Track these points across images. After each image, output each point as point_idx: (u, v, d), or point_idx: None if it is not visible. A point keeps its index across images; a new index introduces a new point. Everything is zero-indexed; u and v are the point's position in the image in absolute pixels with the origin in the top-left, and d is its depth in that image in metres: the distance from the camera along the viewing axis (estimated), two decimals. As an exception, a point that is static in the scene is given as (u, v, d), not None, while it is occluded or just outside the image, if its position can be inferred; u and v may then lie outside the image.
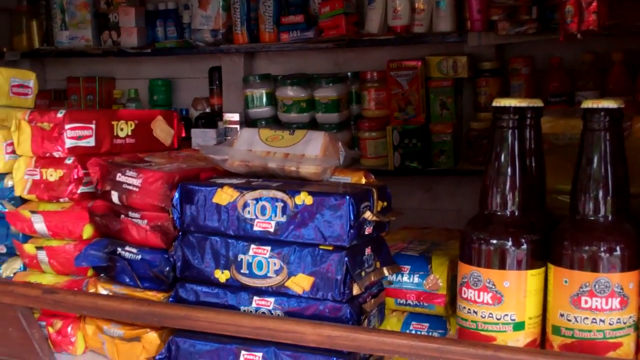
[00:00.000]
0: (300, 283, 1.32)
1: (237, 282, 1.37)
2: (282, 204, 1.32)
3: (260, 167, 1.45)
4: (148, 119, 1.71)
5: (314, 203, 1.30)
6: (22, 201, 1.64)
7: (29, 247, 1.61)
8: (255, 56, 4.49)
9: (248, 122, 4.20)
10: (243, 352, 1.33)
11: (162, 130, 1.74)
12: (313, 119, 4.13)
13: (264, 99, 4.20)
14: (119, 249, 1.49)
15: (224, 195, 1.37)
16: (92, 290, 1.52)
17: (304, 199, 1.31)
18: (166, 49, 4.47)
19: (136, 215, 1.47)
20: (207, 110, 4.46)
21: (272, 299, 1.34)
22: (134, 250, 1.47)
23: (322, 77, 4.10)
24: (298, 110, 4.11)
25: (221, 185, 1.38)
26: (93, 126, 1.59)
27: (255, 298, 1.36)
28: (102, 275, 1.55)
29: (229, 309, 1.37)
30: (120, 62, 4.71)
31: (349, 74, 4.19)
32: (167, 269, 1.43)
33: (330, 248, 1.30)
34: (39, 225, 1.58)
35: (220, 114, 4.27)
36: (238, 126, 4.05)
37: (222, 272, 1.38)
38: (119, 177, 1.48)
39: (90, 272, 1.58)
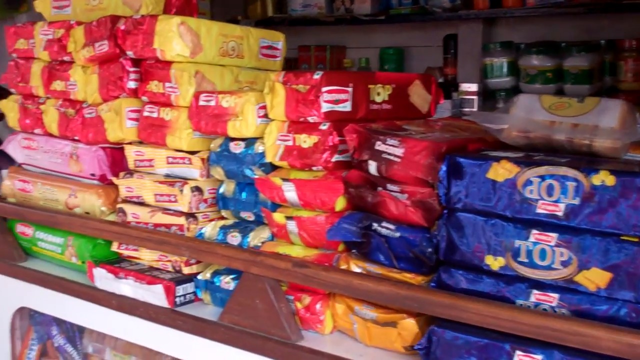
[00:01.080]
0: (594, 279, 1.14)
1: (512, 271, 1.22)
2: (574, 184, 1.15)
3: (543, 138, 1.28)
4: (405, 83, 1.61)
5: (617, 184, 1.11)
6: (273, 168, 1.62)
7: (278, 217, 1.58)
8: (496, 23, 4.27)
9: (486, 92, 4.01)
10: (518, 352, 1.19)
11: (419, 96, 1.63)
12: (560, 90, 3.83)
13: (505, 69, 3.99)
14: (375, 225, 1.41)
15: (501, 171, 1.22)
16: (343, 267, 1.46)
17: (603, 179, 1.13)
18: (400, 16, 4.39)
19: (396, 188, 1.38)
20: (441, 80, 4.32)
21: (556, 295, 1.18)
22: (392, 227, 1.38)
23: (572, 44, 3.79)
24: (543, 81, 3.84)
25: (497, 159, 1.24)
26: (350, 89, 1.52)
27: (535, 292, 1.20)
28: (354, 251, 1.48)
29: (500, 300, 1.23)
30: (352, 30, 4.71)
31: (602, 42, 3.82)
32: (429, 250, 1.33)
33: (636, 240, 1.11)
34: (290, 194, 1.54)
35: (455, 84, 4.11)
36: (475, 97, 3.86)
37: (495, 259, 1.24)
38: (379, 146, 1.39)
39: (341, 247, 1.52)
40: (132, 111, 1.83)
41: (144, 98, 1.81)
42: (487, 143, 1.40)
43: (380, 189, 1.41)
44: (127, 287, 1.76)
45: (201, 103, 1.68)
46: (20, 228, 2.09)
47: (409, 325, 1.35)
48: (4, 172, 2.16)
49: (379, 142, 1.40)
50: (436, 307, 1.25)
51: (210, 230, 1.71)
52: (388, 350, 1.42)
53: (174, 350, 1.73)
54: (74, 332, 2.06)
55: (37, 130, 2.05)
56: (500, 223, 1.23)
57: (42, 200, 2.03)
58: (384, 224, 1.40)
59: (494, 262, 1.24)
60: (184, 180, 1.75)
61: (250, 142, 1.64)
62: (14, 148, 2.13)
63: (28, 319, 2.18)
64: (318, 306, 1.51)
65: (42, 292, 1.97)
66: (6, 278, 2.07)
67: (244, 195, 1.68)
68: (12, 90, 2.12)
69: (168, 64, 1.75)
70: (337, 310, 1.48)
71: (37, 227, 2.04)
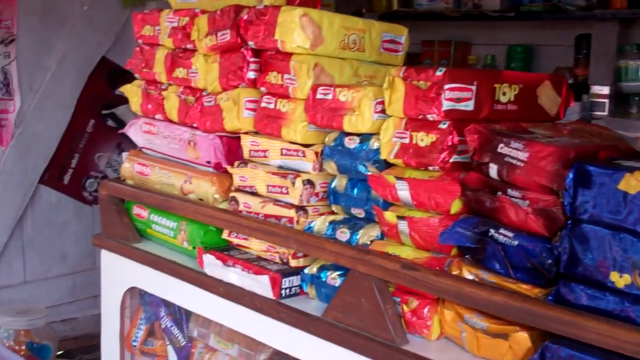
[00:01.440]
0: None
1: (639, 290, 1.15)
2: None
3: (684, 150, 1.20)
4: (534, 83, 1.55)
5: None
6: (387, 165, 1.60)
7: (389, 215, 1.56)
8: (633, 23, 4.06)
9: (618, 96, 3.83)
10: (641, 379, 1.11)
11: (548, 98, 1.57)
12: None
13: (641, 72, 3.80)
14: (492, 231, 1.37)
15: (634, 182, 1.15)
16: (455, 272, 1.42)
17: None
18: (531, 13, 4.26)
19: (517, 194, 1.33)
20: (570, 81, 4.16)
21: (688, 321, 1.10)
22: (510, 234, 1.33)
23: None
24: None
25: (631, 169, 1.17)
26: (473, 88, 1.48)
27: (664, 315, 1.13)
28: (467, 257, 1.44)
29: (624, 321, 1.16)
30: (478, 26, 4.61)
31: None
32: (549, 261, 1.27)
33: None
34: (403, 193, 1.52)
35: (585, 86, 3.95)
36: (606, 100, 3.70)
37: (621, 276, 1.17)
38: (501, 149, 1.35)
39: (453, 252, 1.48)
40: (249, 101, 1.86)
41: (262, 89, 1.83)
42: (620, 151, 1.32)
43: (499, 193, 1.37)
44: (235, 276, 1.79)
45: (318, 96, 1.68)
46: (136, 210, 2.17)
47: (522, 339, 1.30)
48: (125, 154, 2.25)
49: (501, 145, 1.35)
50: (553, 322, 1.20)
51: (319, 224, 1.71)
52: (496, 363, 1.38)
53: (276, 342, 1.75)
54: (181, 315, 2.12)
55: (157, 116, 2.13)
56: (629, 238, 1.16)
57: (159, 185, 2.11)
58: (502, 230, 1.35)
59: (620, 280, 1.17)
60: (297, 172, 1.76)
61: (365, 137, 1.63)
62: (135, 132, 2.21)
63: (138, 299, 2.27)
64: (426, 311, 1.48)
65: (153, 273, 2.04)
66: (120, 258, 2.17)
67: (355, 191, 1.68)
68: (136, 75, 2.20)
69: (288, 55, 1.76)
70: (446, 317, 1.45)
71: (152, 210, 2.12)
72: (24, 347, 2.41)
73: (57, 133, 3.41)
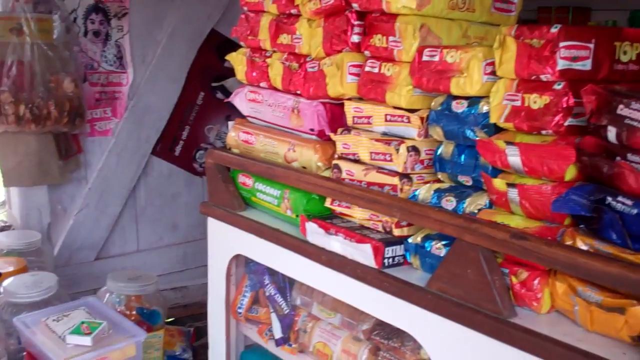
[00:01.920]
0: None
1: None
2: None
3: None
4: (660, 40, 1.44)
5: None
6: (497, 130, 1.54)
7: (498, 183, 1.50)
8: None
9: None
10: None
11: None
12: None
13: None
14: (609, 199, 1.28)
15: None
16: (568, 243, 1.35)
17: None
18: (659, -26, 3.98)
19: (637, 159, 1.24)
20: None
21: None
22: (629, 202, 1.25)
23: None
24: None
25: None
26: (591, 46, 1.39)
27: None
28: (581, 226, 1.37)
29: None
30: (600, -9, 4.37)
31: None
32: (674, 231, 1.18)
33: None
34: (514, 158, 1.45)
35: None
36: None
37: None
38: (621, 110, 1.26)
39: (567, 221, 1.41)
40: (353, 66, 1.83)
41: (367, 52, 1.80)
42: None
43: (618, 159, 1.28)
44: (337, 244, 1.78)
45: (424, 58, 1.64)
46: (241, 178, 2.20)
47: (639, 313, 1.22)
48: (230, 123, 2.28)
49: (621, 106, 1.26)
50: (676, 296, 1.11)
51: (424, 192, 1.67)
52: (610, 338, 1.30)
53: (379, 312, 1.72)
54: (285, 284, 2.14)
55: (262, 84, 2.14)
56: None
57: (263, 153, 2.12)
58: (620, 198, 1.27)
59: None
60: (401, 139, 1.73)
61: (474, 101, 1.57)
62: (240, 100, 2.23)
63: (243, 267, 2.30)
64: (536, 283, 1.41)
65: (257, 241, 2.06)
66: (226, 226, 2.20)
67: (462, 158, 1.62)
68: (242, 43, 2.22)
69: (393, 16, 1.72)
70: (557, 289, 1.38)
71: (257, 179, 2.13)
72: (134, 312, 2.49)
73: (168, 105, 3.50)
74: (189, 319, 3.30)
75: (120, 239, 3.50)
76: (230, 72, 2.29)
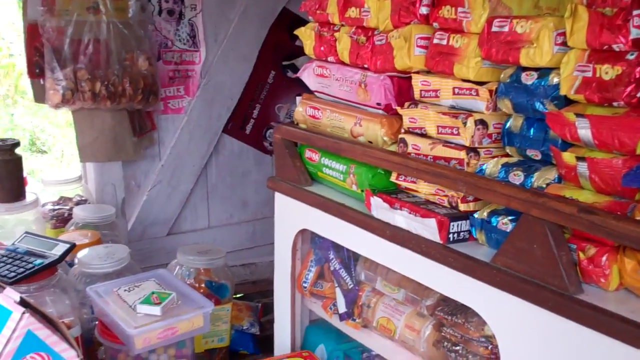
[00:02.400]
0: None
1: None
2: None
3: None
4: None
5: None
6: (567, 102, 1.50)
7: (568, 157, 1.47)
8: None
9: None
10: None
11: None
12: None
13: None
14: (683, 171, 1.24)
15: None
16: (639, 218, 1.31)
17: None
18: None
19: None
20: None
21: None
22: None
23: None
24: None
25: None
26: (668, 13, 1.34)
27: None
28: (654, 201, 1.33)
29: None
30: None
31: None
32: None
33: None
34: (584, 131, 1.42)
35: None
36: None
37: None
38: (697, 78, 1.21)
39: (638, 196, 1.37)
40: (421, 38, 1.82)
41: (435, 24, 1.78)
42: None
43: (694, 130, 1.24)
44: (401, 219, 1.78)
45: (494, 29, 1.61)
46: (308, 154, 2.22)
47: None
48: (298, 99, 2.30)
49: (697, 74, 1.22)
50: None
51: (491, 167, 1.65)
52: (683, 318, 1.27)
53: (443, 287, 1.72)
54: (349, 259, 2.15)
55: (330, 58, 2.15)
56: None
57: (330, 128, 2.13)
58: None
59: None
60: (469, 112, 1.71)
61: (544, 72, 1.54)
62: (308, 75, 2.25)
63: (309, 242, 2.32)
64: (604, 259, 1.38)
65: (322, 216, 2.08)
66: (292, 200, 2.23)
67: (532, 131, 1.59)
68: (310, 18, 2.23)
69: (462, -13, 1.70)
70: (626, 266, 1.35)
71: (323, 154, 2.15)
72: (203, 285, 2.55)
73: (239, 84, 3.54)
74: (257, 295, 3.36)
75: (191, 215, 3.58)
76: (301, 51, 2.31)
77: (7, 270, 2.10)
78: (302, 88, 2.39)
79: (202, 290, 2.52)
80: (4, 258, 2.17)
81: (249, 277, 3.56)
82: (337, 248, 2.17)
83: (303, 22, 2.36)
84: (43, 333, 1.74)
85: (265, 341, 2.84)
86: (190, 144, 3.43)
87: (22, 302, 1.76)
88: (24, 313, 1.71)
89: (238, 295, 3.35)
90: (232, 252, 3.43)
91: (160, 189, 3.39)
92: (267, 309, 3.04)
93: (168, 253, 3.21)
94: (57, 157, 7.62)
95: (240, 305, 3.02)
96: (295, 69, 3.66)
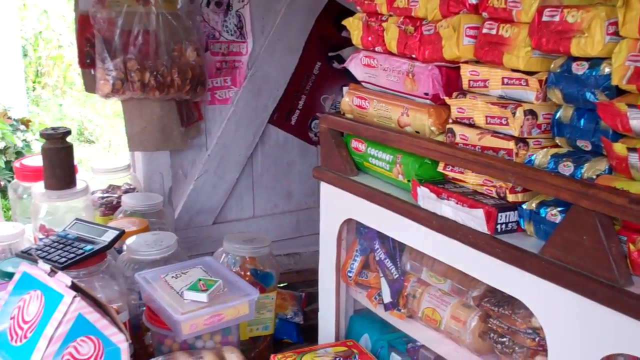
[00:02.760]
0: None
1: None
2: None
3: None
4: None
5: None
6: (619, 92, 1.49)
7: (619, 147, 1.46)
8: None
9: None
10: None
11: None
12: None
13: None
14: None
15: None
16: (692, 209, 1.30)
17: None
18: None
19: None
20: None
21: None
22: None
23: None
24: None
25: None
26: None
27: None
28: None
29: None
30: None
31: None
32: None
33: None
34: (636, 122, 1.41)
35: None
36: None
37: None
38: None
39: (692, 187, 1.35)
40: (470, 28, 1.82)
41: (484, 14, 1.78)
42: None
43: None
44: (449, 209, 1.78)
45: (544, 18, 1.60)
46: (354, 144, 2.23)
47: None
48: (345, 89, 2.31)
49: None
50: None
51: (541, 157, 1.64)
52: None
53: (490, 278, 1.72)
54: (395, 249, 2.16)
55: (377, 48, 2.15)
56: None
57: (376, 118, 2.14)
58: None
59: None
60: (518, 102, 1.70)
61: (595, 62, 1.53)
62: (355, 65, 2.26)
63: (354, 232, 2.34)
64: (655, 251, 1.37)
65: (368, 206, 2.09)
66: (338, 190, 2.24)
67: (582, 122, 1.58)
68: (358, 8, 2.24)
69: (513, -24, 1.69)
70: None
71: (369, 144, 2.16)
72: (248, 273, 2.58)
73: (285, 75, 3.57)
74: (302, 285, 3.39)
75: (237, 204, 3.62)
76: (347, 42, 2.32)
77: (58, 255, 2.15)
78: (347, 79, 2.39)
79: (247, 278, 2.55)
80: (55, 244, 2.23)
81: (293, 267, 3.59)
82: (383, 238, 2.18)
83: (349, 13, 2.37)
84: (93, 317, 1.78)
85: (308, 330, 2.87)
86: (237, 134, 3.47)
87: (74, 287, 1.81)
88: (75, 297, 1.76)
89: (282, 285, 3.38)
90: (276, 241, 3.45)
91: (207, 178, 3.44)
92: (311, 299, 3.07)
93: (214, 242, 3.26)
94: (105, 147, 7.76)
95: (284, 295, 3.05)
96: (341, 60, 3.66)
